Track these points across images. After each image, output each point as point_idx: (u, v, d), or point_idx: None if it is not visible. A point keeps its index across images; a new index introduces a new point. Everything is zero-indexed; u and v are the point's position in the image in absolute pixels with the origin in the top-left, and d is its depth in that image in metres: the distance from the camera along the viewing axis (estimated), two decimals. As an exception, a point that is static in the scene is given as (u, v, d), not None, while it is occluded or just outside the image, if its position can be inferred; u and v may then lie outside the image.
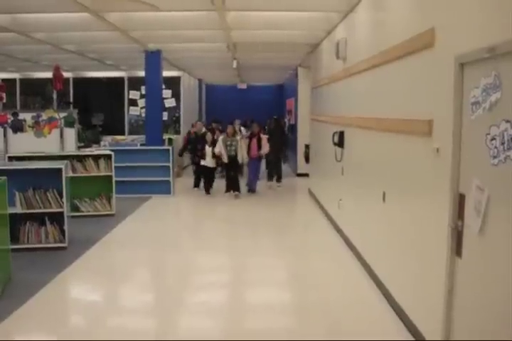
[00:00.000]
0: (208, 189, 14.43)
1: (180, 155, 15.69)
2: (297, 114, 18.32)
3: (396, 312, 5.85)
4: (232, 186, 13.94)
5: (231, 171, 13.96)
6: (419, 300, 5.23)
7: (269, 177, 15.97)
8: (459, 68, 4.18)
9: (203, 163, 14.13)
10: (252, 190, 14.76)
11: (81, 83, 21.27)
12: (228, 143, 13.68)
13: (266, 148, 14.40)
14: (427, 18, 5.01)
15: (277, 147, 15.56)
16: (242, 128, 17.76)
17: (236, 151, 13.70)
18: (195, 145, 14.53)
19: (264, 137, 14.52)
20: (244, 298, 6.67)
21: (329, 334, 5.43)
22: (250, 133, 14.70)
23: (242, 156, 13.83)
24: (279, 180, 15.87)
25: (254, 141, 14.32)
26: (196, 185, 15.07)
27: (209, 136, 14.23)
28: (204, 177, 14.65)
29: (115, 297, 6.75)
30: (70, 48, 13.76)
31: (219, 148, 13.64)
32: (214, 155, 13.90)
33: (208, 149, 13.99)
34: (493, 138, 3.58)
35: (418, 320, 5.23)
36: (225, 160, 13.69)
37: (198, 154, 14.46)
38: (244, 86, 26.96)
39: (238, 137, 14.01)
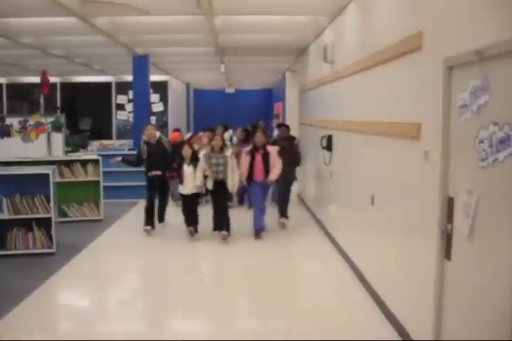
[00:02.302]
0: (190, 224, 9.69)
1: (124, 161, 10.44)
2: (285, 118, 18.32)
3: (385, 314, 5.85)
4: (219, 222, 9.56)
5: (217, 202, 9.62)
6: (409, 303, 5.23)
7: (281, 211, 10.76)
8: (446, 71, 4.19)
9: (181, 190, 9.67)
10: (258, 229, 9.70)
11: (68, 88, 21.20)
12: (214, 161, 9.24)
13: (278, 167, 9.64)
14: (414, 22, 5.02)
15: (288, 167, 10.29)
16: (234, 138, 14.43)
17: (225, 173, 9.27)
18: (152, 160, 9.97)
19: (274, 150, 9.73)
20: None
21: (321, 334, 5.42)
22: (252, 147, 9.74)
23: (233, 182, 9.42)
24: (284, 212, 10.76)
25: (259, 157, 9.59)
26: (149, 221, 10.02)
27: (187, 151, 9.51)
28: (185, 210, 9.84)
29: (103, 302, 6.72)
30: (57, 53, 13.70)
31: (202, 168, 9.38)
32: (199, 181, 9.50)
33: (188, 169, 9.46)
34: (481, 141, 3.58)
35: (407, 322, 5.23)
36: (209, 186, 9.41)
37: (165, 175, 10.14)
38: (232, 90, 26.96)
39: (228, 152, 9.35)
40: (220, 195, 9.55)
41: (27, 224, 8.39)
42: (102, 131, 20.78)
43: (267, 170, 9.61)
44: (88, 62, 16.39)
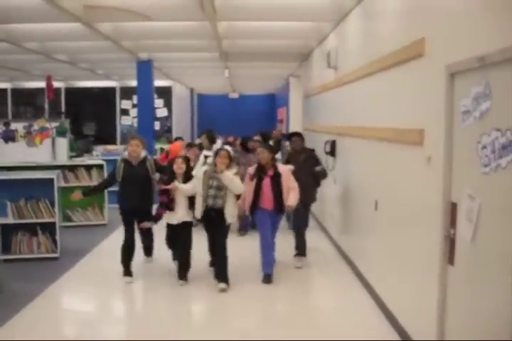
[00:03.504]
0: (182, 268, 7.33)
1: (87, 194, 7.95)
2: (289, 123, 18.34)
3: (388, 318, 5.85)
4: (217, 268, 7.23)
5: (213, 238, 7.36)
6: (413, 308, 5.23)
7: (299, 248, 8.38)
8: (449, 77, 4.21)
9: (167, 219, 7.36)
10: (268, 273, 7.45)
11: (73, 93, 21.26)
12: (214, 183, 7.06)
13: (296, 192, 7.47)
14: (417, 28, 5.05)
15: (306, 188, 7.94)
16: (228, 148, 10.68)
17: (225, 200, 7.07)
18: (127, 186, 7.48)
19: (287, 170, 7.55)
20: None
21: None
22: (257, 167, 7.49)
23: (233, 211, 7.20)
24: (301, 250, 8.37)
25: (267, 181, 7.40)
26: (129, 269, 7.59)
27: (179, 165, 7.27)
28: (173, 245, 7.76)
29: (107, 307, 6.73)
30: (61, 58, 13.76)
31: (191, 188, 7.18)
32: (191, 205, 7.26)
33: (182, 187, 7.19)
34: (484, 147, 3.60)
35: (411, 328, 5.23)
36: (198, 214, 7.13)
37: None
38: (236, 95, 27.00)
39: (231, 172, 7.07)
40: (217, 229, 7.17)
41: (31, 229, 8.41)
42: (106, 136, 20.84)
43: (277, 198, 7.35)
44: (92, 67, 16.45)
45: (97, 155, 15.17)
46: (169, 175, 7.34)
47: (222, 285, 6.99)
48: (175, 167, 7.24)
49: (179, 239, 7.36)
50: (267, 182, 7.39)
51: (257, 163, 7.56)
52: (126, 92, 20.32)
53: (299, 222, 8.38)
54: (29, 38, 10.93)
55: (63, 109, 20.78)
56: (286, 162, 8.45)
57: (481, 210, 3.69)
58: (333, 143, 9.25)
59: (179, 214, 7.22)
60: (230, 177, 7.01)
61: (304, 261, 8.25)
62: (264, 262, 7.49)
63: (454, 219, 4.18)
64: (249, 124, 21.86)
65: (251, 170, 7.56)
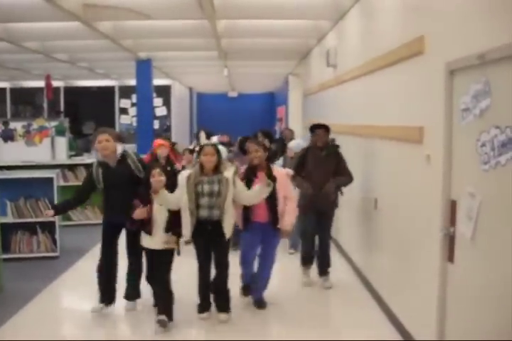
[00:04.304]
0: (164, 308, 5.63)
1: (59, 212, 6.71)
2: (288, 122, 18.34)
3: (388, 316, 5.86)
4: (216, 299, 5.93)
5: (208, 261, 5.85)
6: (412, 306, 5.24)
7: (321, 264, 7.17)
8: (449, 75, 4.21)
9: (146, 242, 5.73)
10: (258, 300, 6.29)
11: (72, 92, 21.26)
12: (204, 188, 5.59)
13: (293, 208, 6.21)
14: (416, 26, 5.05)
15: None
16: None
17: (223, 209, 5.61)
18: (111, 195, 6.05)
19: (283, 175, 6.12)
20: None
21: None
22: (248, 168, 6.09)
23: (231, 223, 5.75)
24: (324, 269, 7.15)
25: (258, 183, 5.80)
26: (106, 294, 6.15)
27: (156, 177, 5.42)
28: (150, 279, 5.97)
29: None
30: (60, 57, 13.75)
31: (176, 201, 5.62)
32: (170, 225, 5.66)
33: (160, 208, 5.69)
34: (483, 145, 3.60)
35: (411, 326, 5.24)
36: (186, 233, 5.63)
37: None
38: (235, 94, 27.01)
39: (228, 172, 5.70)
40: (216, 246, 5.74)
41: (31, 228, 8.41)
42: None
43: (272, 207, 5.96)
44: (91, 66, 16.45)
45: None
46: (146, 186, 5.54)
47: (224, 316, 5.81)
48: (152, 180, 5.38)
49: (158, 268, 5.78)
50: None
51: (249, 164, 6.10)
52: (126, 91, 20.31)
53: (322, 238, 7.10)
54: (28, 37, 10.92)
55: (62, 108, 20.78)
56: (300, 158, 7.01)
57: (480, 208, 3.69)
58: (332, 141, 9.23)
59: (159, 239, 5.61)
60: (257, 190, 5.65)
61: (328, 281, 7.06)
62: (245, 277, 6.35)
63: (453, 217, 4.18)
64: (249, 123, 21.88)
65: (241, 170, 6.11)
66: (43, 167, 10.15)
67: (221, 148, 9.25)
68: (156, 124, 18.27)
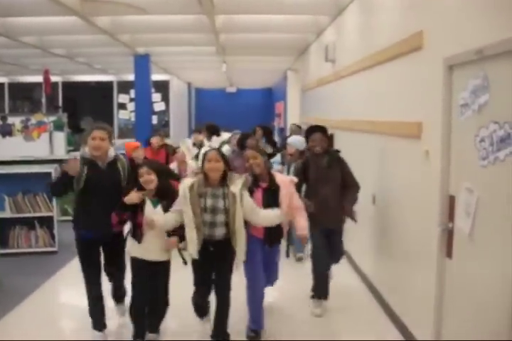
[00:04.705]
0: (157, 325, 5.26)
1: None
2: (287, 117, 18.34)
3: (387, 312, 5.86)
4: (215, 316, 5.11)
5: (209, 284, 5.10)
6: (410, 302, 5.25)
7: (319, 290, 6.09)
8: (447, 70, 4.21)
9: (136, 252, 5.01)
10: (256, 327, 5.29)
11: (70, 87, 21.23)
12: (207, 202, 4.74)
13: (304, 216, 5.42)
14: (415, 21, 5.04)
15: (331, 205, 5.87)
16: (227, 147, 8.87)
17: (230, 227, 4.80)
18: (90, 200, 5.10)
19: (287, 182, 5.31)
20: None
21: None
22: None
23: (244, 243, 4.92)
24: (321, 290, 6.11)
25: (259, 194, 5.18)
26: (101, 323, 5.37)
27: (146, 176, 4.88)
28: (137, 296, 5.09)
29: (106, 300, 6.72)
30: (58, 52, 13.72)
31: (173, 218, 4.87)
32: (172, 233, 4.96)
33: (153, 212, 4.89)
34: (482, 140, 3.60)
35: (409, 322, 5.25)
36: (193, 251, 4.80)
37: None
38: (233, 89, 26.99)
39: (236, 186, 4.81)
40: (218, 266, 4.95)
41: (29, 223, 8.40)
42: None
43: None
44: (89, 61, 16.41)
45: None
46: (132, 188, 4.93)
47: None
48: (141, 180, 4.86)
49: (151, 283, 5.07)
50: (258, 198, 5.11)
51: (249, 174, 5.24)
52: (124, 86, 20.28)
53: (333, 254, 6.05)
54: (26, 31, 10.89)
55: (60, 103, 20.74)
56: (301, 171, 6.02)
57: (479, 203, 3.69)
58: (331, 137, 9.24)
59: (153, 250, 4.95)
60: (271, 216, 4.99)
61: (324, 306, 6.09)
62: (250, 315, 5.33)
63: (452, 213, 4.19)
64: (247, 118, 21.83)
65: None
66: (41, 162, 10.15)
67: (226, 147, 8.70)
68: (155, 119, 18.21)
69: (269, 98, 27.01)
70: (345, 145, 8.32)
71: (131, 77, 15.51)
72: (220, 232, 4.78)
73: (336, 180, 5.90)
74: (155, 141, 9.48)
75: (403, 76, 5.44)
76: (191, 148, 9.20)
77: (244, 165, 5.34)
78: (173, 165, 8.03)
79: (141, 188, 4.89)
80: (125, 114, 20.26)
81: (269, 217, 4.99)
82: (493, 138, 3.45)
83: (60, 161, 10.58)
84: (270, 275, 5.60)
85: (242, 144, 7.75)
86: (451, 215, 4.20)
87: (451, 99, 4.18)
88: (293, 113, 17.24)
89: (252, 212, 4.89)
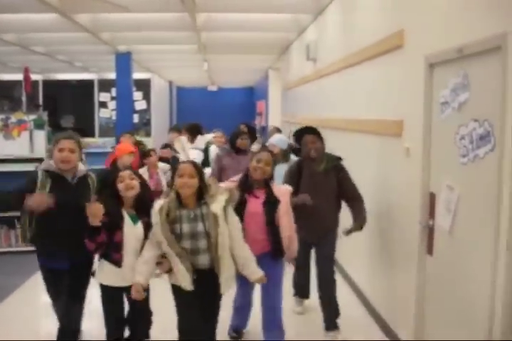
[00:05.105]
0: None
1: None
2: (268, 116, 18.35)
3: (368, 311, 5.89)
4: None
5: (195, 324, 4.11)
6: (392, 300, 5.27)
7: (329, 314, 5.34)
8: (428, 69, 4.23)
9: (108, 278, 4.27)
10: (237, 330, 5.20)
11: (50, 85, 21.06)
12: (184, 228, 3.96)
13: (292, 236, 4.64)
14: (396, 20, 5.06)
15: (326, 218, 5.35)
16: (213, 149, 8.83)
17: (214, 253, 3.99)
18: (53, 219, 4.25)
19: (287, 192, 4.64)
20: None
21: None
22: (242, 183, 4.62)
23: (231, 272, 4.18)
24: (332, 321, 5.32)
25: (257, 206, 4.53)
26: None
27: (127, 181, 4.19)
28: (110, 327, 4.40)
29: (88, 299, 6.69)
30: (38, 50, 13.61)
31: (151, 246, 4.13)
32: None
33: (132, 229, 4.19)
34: (462, 138, 3.63)
35: (392, 321, 5.26)
36: (186, 283, 4.00)
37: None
38: (214, 88, 26.94)
39: (217, 203, 4.02)
40: (205, 301, 4.16)
41: (9, 222, 8.33)
42: (84, 129, 20.68)
43: (274, 235, 4.53)
44: (70, 59, 16.29)
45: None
46: (109, 200, 4.17)
47: None
48: (121, 186, 4.15)
49: (130, 311, 4.51)
50: (255, 210, 4.50)
51: (245, 175, 4.64)
52: (105, 85, 20.14)
53: (323, 273, 5.37)
54: (5, 29, 10.78)
55: (41, 101, 20.58)
56: (292, 175, 5.36)
57: (459, 200, 3.72)
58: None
59: (128, 273, 4.13)
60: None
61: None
62: (234, 316, 5.15)
63: (432, 210, 4.22)
64: (228, 117, 21.83)
65: (230, 183, 4.66)
66: (22, 161, 10.07)
67: (197, 153, 8.17)
68: (136, 118, 18.14)
69: (251, 97, 27.01)
70: (327, 143, 8.35)
71: (112, 76, 15.42)
72: (203, 260, 4.01)
73: (331, 190, 5.25)
74: (123, 140, 9.09)
75: (384, 74, 5.46)
76: (187, 148, 8.92)
77: (235, 165, 5.08)
78: (143, 170, 7.21)
79: (117, 197, 4.16)
80: (106, 113, 20.15)
81: (247, 253, 4.21)
82: (473, 135, 3.47)
83: (40, 160, 10.52)
84: (270, 298, 4.73)
85: (233, 143, 7.14)
86: (431, 212, 4.23)
87: (431, 97, 4.21)
88: (274, 112, 17.27)
89: (235, 236, 4.12)
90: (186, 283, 4.01)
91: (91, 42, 12.01)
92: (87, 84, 20.75)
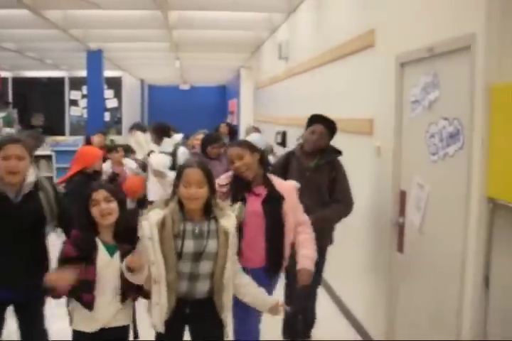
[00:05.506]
0: None
1: None
2: (240, 115, 18.35)
3: (341, 310, 5.92)
4: None
5: None
6: (364, 298, 5.30)
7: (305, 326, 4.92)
8: (399, 67, 4.27)
9: (76, 324, 3.36)
10: None
11: (20, 83, 20.83)
12: (186, 245, 3.19)
13: (312, 241, 3.89)
14: (367, 20, 5.10)
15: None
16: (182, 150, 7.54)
17: (218, 283, 3.24)
18: None
19: (292, 188, 3.92)
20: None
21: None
22: (234, 181, 3.89)
23: (229, 301, 3.36)
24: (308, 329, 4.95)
25: (255, 206, 3.77)
26: None
27: (102, 205, 3.26)
28: None
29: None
30: (8, 46, 13.45)
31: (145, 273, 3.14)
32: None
33: (108, 262, 3.27)
34: (432, 136, 3.67)
35: (364, 321, 5.28)
36: (157, 321, 3.22)
37: None
38: (186, 87, 26.86)
39: (229, 219, 3.28)
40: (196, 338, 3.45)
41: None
42: (54, 127, 20.49)
43: (275, 244, 3.81)
44: (41, 56, 16.14)
45: (46, 146, 14.92)
46: (81, 228, 3.36)
47: None
48: (95, 212, 3.28)
49: None
50: (255, 210, 3.77)
51: (234, 176, 3.93)
52: (76, 83, 19.98)
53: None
54: (-26, 25, 10.67)
55: (10, 99, 20.34)
56: (280, 169, 4.64)
57: (429, 198, 3.76)
58: (283, 134, 9.29)
59: (104, 314, 3.31)
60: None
61: None
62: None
63: (403, 208, 4.25)
64: (200, 116, 21.81)
65: (221, 180, 3.92)
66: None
67: (183, 150, 7.33)
68: (107, 116, 18.04)
69: (223, 95, 26.97)
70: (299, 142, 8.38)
71: (83, 73, 15.30)
72: (202, 288, 3.26)
73: (322, 188, 4.58)
74: (96, 139, 8.80)
75: (355, 73, 5.50)
76: (144, 144, 8.45)
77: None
78: (107, 166, 6.97)
79: (90, 223, 3.32)
80: (77, 111, 20.01)
81: (257, 293, 3.48)
82: (443, 134, 3.52)
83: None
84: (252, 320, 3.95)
85: (204, 148, 6.65)
86: (402, 210, 4.27)
87: (402, 96, 4.25)
88: (246, 111, 17.25)
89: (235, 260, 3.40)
90: (158, 321, 3.22)
91: (62, 39, 11.92)
92: (58, 82, 20.57)
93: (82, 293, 3.26)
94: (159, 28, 10.71)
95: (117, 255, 3.29)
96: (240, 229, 3.48)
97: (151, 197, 6.94)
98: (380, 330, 4.68)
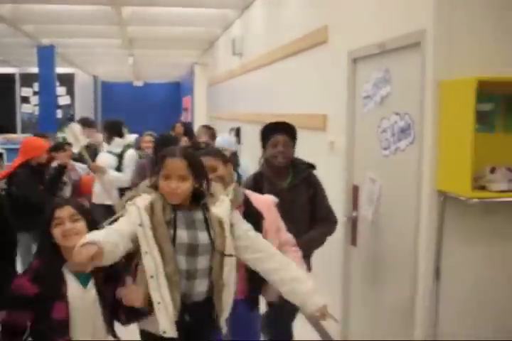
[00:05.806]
0: None
1: None
2: (194, 112, 18.29)
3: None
4: None
5: None
6: (319, 293, 5.33)
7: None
8: (351, 63, 4.32)
9: None
10: None
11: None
12: (180, 235, 2.65)
13: (298, 255, 3.50)
14: (320, 16, 5.14)
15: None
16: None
17: (218, 279, 2.69)
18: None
19: (270, 203, 3.41)
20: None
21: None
22: None
23: (229, 303, 2.80)
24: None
25: None
26: None
27: (66, 223, 2.63)
28: None
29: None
30: (-44, 42, 13.19)
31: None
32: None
33: (83, 292, 2.66)
34: (384, 131, 3.73)
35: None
36: (166, 326, 2.59)
37: None
38: (140, 83, 26.66)
39: (222, 204, 2.77)
40: None
41: None
42: (5, 125, 20.14)
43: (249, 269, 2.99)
44: (-10, 52, 15.86)
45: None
46: (42, 255, 2.76)
47: None
48: (58, 233, 2.66)
49: None
50: None
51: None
52: (27, 79, 19.67)
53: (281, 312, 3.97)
54: None
55: (-41, 96, 19.94)
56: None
57: (381, 191, 3.82)
58: (237, 130, 9.29)
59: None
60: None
61: None
62: None
63: (356, 202, 4.31)
64: (154, 113, 21.69)
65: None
66: None
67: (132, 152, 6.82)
68: (60, 114, 17.79)
69: (177, 92, 26.84)
70: (252, 139, 8.39)
71: (34, 70, 15.06)
72: (201, 288, 2.74)
73: (302, 209, 3.98)
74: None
75: (309, 69, 5.54)
76: (80, 137, 7.46)
77: None
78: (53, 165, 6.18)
79: (54, 248, 2.70)
80: (28, 108, 19.71)
81: (291, 265, 2.95)
82: (394, 128, 3.58)
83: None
84: None
85: (157, 151, 5.63)
86: (355, 204, 4.33)
87: (355, 92, 4.30)
88: (200, 107, 17.21)
89: (259, 247, 2.87)
90: (167, 325, 2.62)
91: (12, 34, 11.70)
92: (8, 79, 20.21)
93: (51, 337, 2.60)
94: (112, 24, 10.61)
95: (91, 284, 2.70)
96: (258, 222, 3.08)
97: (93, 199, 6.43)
98: (336, 329, 4.67)
